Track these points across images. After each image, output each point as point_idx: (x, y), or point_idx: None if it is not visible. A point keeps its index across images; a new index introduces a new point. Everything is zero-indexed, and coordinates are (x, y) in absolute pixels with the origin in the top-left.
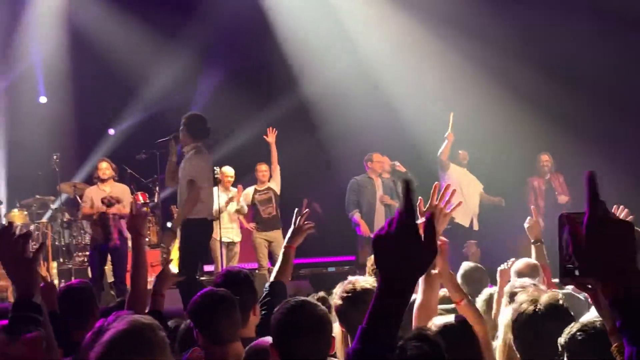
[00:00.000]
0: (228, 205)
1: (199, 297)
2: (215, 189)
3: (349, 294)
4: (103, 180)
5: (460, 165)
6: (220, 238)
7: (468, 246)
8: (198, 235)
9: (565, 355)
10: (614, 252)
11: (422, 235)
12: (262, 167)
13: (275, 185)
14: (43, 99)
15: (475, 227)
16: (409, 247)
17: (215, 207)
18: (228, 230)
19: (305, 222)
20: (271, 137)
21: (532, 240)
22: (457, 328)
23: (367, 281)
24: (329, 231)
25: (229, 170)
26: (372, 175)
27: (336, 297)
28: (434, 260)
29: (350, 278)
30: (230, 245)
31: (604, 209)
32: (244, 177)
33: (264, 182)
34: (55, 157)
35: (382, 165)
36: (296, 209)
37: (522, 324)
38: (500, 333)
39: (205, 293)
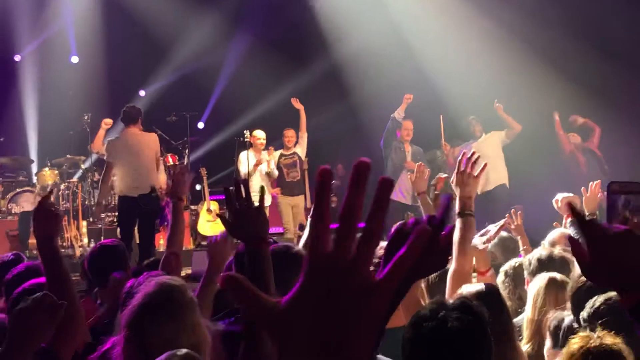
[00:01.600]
0: (256, 168)
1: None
2: (245, 152)
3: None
4: None
5: (476, 139)
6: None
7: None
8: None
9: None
10: (623, 265)
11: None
12: (289, 133)
13: (301, 150)
14: (75, 59)
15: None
16: (427, 249)
17: (245, 170)
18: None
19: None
20: (298, 104)
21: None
22: (489, 295)
23: None
24: None
25: (259, 133)
26: (402, 141)
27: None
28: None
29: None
30: None
31: (599, 226)
32: (275, 142)
33: (290, 147)
34: (86, 117)
35: (410, 133)
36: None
37: None
38: (529, 305)
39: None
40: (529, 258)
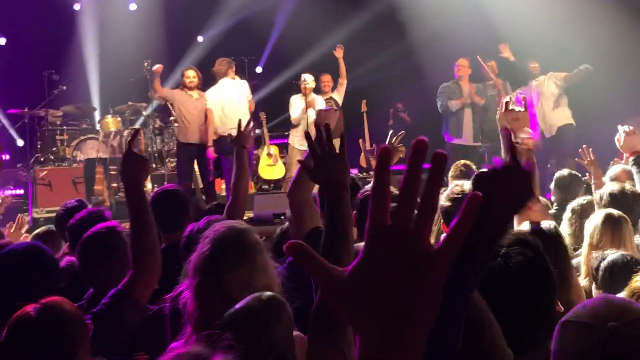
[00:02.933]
0: (305, 113)
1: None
2: (296, 97)
3: (458, 195)
4: (190, 88)
5: (534, 77)
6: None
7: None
8: None
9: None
10: None
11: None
12: (325, 78)
13: (338, 97)
14: (133, 6)
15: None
16: (510, 189)
17: (295, 115)
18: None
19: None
20: (339, 53)
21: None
22: (545, 235)
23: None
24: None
25: (307, 77)
26: (460, 82)
27: (444, 199)
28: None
29: (457, 182)
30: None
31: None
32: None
33: (327, 92)
34: (146, 64)
35: (468, 71)
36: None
37: None
38: (586, 242)
39: None
40: (600, 193)
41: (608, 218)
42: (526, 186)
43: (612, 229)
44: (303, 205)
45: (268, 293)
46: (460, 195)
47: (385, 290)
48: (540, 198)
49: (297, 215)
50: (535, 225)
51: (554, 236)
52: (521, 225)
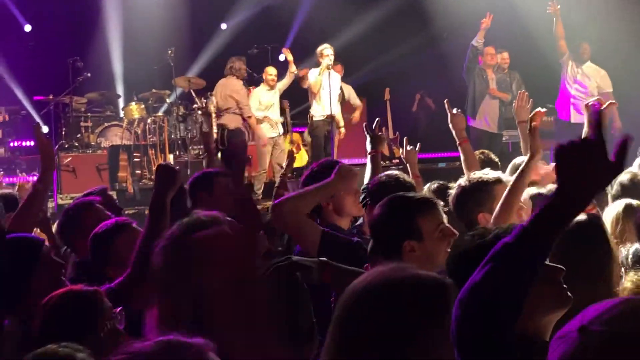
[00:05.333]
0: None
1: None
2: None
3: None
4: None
5: (581, 61)
6: None
7: None
8: None
9: None
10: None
11: (613, 154)
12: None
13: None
14: None
15: None
16: (594, 161)
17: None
18: None
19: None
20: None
21: None
22: (588, 227)
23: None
24: (440, 126)
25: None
26: (485, 68)
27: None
28: None
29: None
30: None
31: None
32: (352, 75)
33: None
34: (170, 51)
35: (494, 58)
36: (377, 119)
37: None
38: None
39: (388, 175)
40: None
41: (628, 208)
42: (610, 162)
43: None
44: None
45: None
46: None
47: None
48: None
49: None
50: (590, 213)
51: (599, 228)
52: None
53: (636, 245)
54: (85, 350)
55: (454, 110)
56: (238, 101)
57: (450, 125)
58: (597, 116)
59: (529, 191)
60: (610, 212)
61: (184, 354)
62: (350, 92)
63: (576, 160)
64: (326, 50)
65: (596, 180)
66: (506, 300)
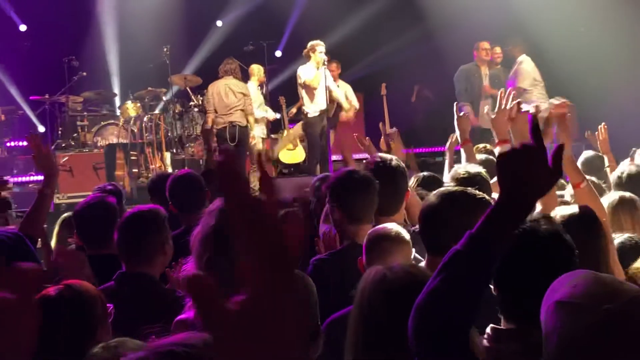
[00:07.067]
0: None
1: (342, 173)
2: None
3: (464, 176)
4: None
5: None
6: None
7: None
8: None
9: None
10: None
11: (549, 160)
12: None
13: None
14: None
15: None
16: (534, 167)
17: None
18: None
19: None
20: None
21: None
22: (583, 219)
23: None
24: (439, 121)
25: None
26: (479, 64)
27: (449, 179)
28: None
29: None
30: None
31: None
32: (347, 71)
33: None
34: (165, 49)
35: (489, 54)
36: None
37: None
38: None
39: (347, 171)
40: (617, 174)
41: (621, 200)
42: (549, 167)
43: (630, 211)
44: None
45: None
46: (465, 176)
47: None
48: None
49: None
50: (584, 207)
51: (594, 220)
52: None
53: (621, 237)
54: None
55: (461, 113)
56: (248, 97)
57: (456, 126)
58: (532, 123)
59: None
60: (604, 203)
61: None
62: (348, 91)
63: (517, 166)
64: (319, 47)
65: (537, 186)
66: (459, 305)
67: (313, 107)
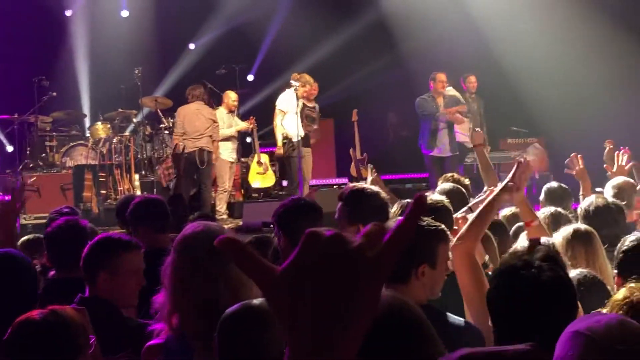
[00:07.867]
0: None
1: (287, 201)
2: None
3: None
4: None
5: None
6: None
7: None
8: None
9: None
10: None
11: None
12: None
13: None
14: (125, 13)
15: None
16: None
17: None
18: None
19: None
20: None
21: None
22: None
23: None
24: (406, 148)
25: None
26: (435, 95)
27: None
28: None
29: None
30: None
31: None
32: (323, 93)
33: (311, 100)
34: (137, 71)
35: (445, 85)
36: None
37: None
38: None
39: (292, 199)
40: (583, 207)
41: (576, 234)
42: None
43: (584, 244)
44: None
45: (257, 301)
46: (437, 205)
47: (317, 290)
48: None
49: None
50: (535, 241)
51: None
52: (519, 241)
53: (576, 272)
54: None
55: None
56: (216, 125)
57: (470, 140)
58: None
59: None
60: (558, 238)
61: None
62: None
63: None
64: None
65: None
66: None
67: (295, 132)
